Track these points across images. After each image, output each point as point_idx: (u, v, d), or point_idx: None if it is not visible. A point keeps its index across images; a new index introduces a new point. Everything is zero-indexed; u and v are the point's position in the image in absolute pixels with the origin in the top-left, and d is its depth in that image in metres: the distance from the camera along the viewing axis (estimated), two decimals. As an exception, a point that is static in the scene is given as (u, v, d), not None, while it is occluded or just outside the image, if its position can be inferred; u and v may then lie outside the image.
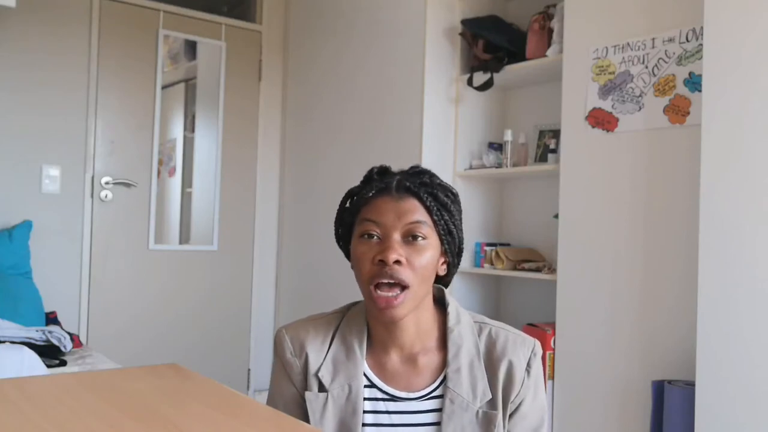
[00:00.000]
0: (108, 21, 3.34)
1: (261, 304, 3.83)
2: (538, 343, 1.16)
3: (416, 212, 1.10)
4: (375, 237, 1.09)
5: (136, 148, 3.43)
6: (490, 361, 1.13)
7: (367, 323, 1.17)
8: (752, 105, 1.84)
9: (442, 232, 1.12)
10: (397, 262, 1.06)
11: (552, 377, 2.48)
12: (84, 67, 3.28)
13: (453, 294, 1.26)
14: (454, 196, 1.15)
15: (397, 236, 1.08)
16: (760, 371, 1.80)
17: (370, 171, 1.17)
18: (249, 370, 3.78)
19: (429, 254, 1.09)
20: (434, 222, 1.11)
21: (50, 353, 2.36)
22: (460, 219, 1.16)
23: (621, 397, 2.27)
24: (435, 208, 1.11)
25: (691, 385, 2.00)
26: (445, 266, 1.16)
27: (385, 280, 1.06)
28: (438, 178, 1.16)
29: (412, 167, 1.18)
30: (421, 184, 1.12)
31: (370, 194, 1.12)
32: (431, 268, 1.11)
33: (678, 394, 2.02)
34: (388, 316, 1.08)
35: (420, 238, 1.09)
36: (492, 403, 1.10)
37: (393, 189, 1.12)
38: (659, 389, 2.10)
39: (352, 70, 3.36)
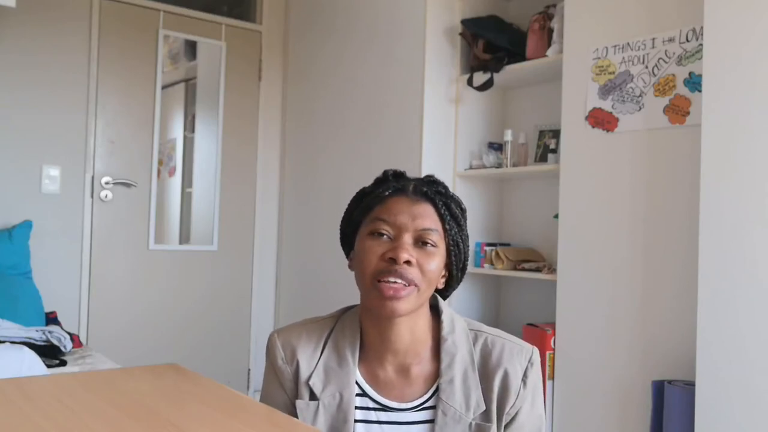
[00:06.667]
0: (108, 21, 3.34)
1: (261, 304, 3.83)
2: (536, 351, 1.14)
3: (430, 218, 1.09)
4: (385, 236, 1.08)
5: (136, 148, 3.43)
6: (485, 370, 1.10)
7: (361, 330, 1.14)
8: (752, 105, 1.84)
9: (450, 243, 1.11)
10: (408, 262, 1.05)
11: (552, 377, 2.48)
12: (84, 67, 3.27)
13: (453, 294, 1.24)
14: (463, 212, 1.15)
15: (408, 238, 1.07)
16: (760, 371, 1.80)
17: (385, 173, 1.16)
18: (249, 370, 3.78)
19: (437, 261, 1.08)
20: (445, 231, 1.10)
21: (50, 353, 2.36)
22: (467, 236, 1.16)
23: (621, 397, 2.27)
24: (448, 217, 1.11)
25: (691, 385, 2.00)
26: (444, 279, 1.14)
27: (392, 279, 1.05)
28: (451, 191, 1.16)
29: (427, 176, 1.17)
30: (437, 193, 1.12)
31: (386, 193, 1.11)
32: (437, 275, 1.10)
33: (678, 394, 2.02)
34: (389, 310, 1.05)
35: (430, 245, 1.08)
36: (486, 415, 1.08)
37: (409, 191, 1.11)
38: (659, 389, 2.10)
39: (352, 70, 3.36)
